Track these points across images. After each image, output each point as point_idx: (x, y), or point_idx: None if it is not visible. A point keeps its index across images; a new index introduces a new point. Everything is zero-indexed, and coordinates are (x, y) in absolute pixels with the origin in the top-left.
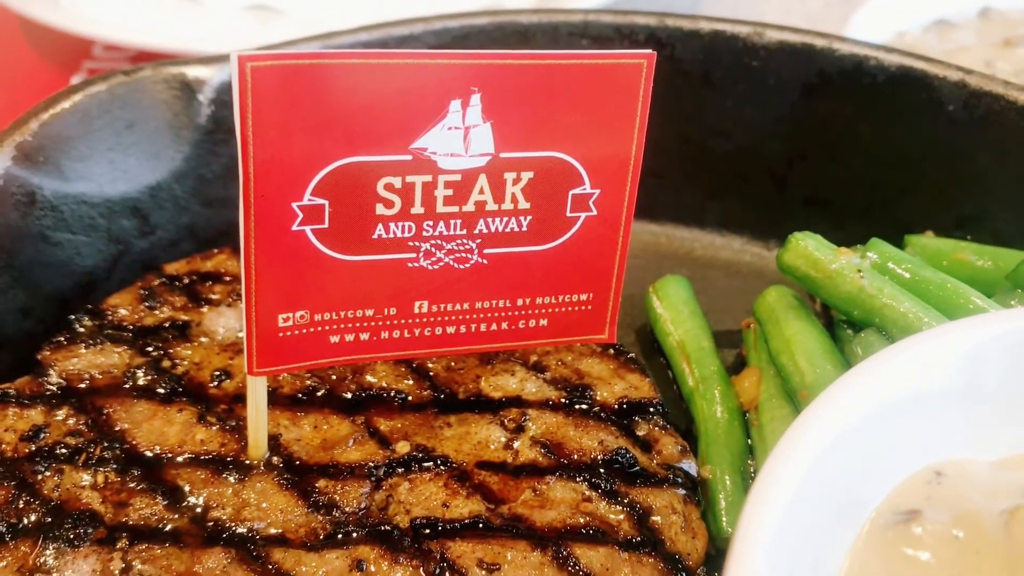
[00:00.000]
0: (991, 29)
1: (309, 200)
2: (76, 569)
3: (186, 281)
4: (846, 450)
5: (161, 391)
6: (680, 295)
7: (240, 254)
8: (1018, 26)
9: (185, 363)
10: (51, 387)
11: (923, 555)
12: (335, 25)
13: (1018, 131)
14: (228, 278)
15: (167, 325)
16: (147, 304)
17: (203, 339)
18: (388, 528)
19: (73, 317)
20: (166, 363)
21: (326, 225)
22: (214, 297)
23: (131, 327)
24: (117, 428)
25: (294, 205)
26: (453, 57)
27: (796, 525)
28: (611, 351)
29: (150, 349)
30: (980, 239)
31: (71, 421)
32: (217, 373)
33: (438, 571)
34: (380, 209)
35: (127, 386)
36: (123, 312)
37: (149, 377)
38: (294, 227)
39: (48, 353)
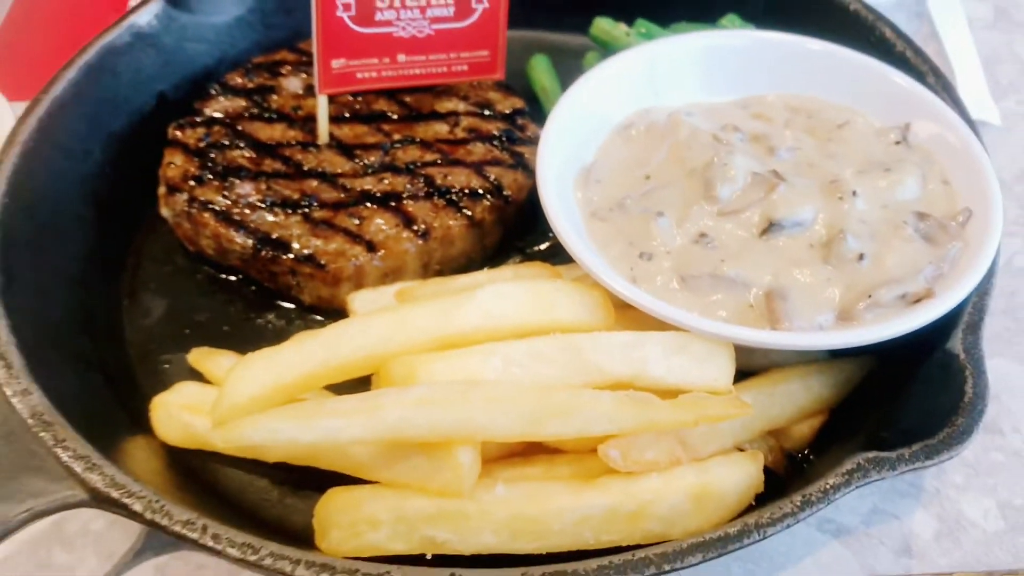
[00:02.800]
0: None
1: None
2: (243, 188)
3: (264, 64)
4: (592, 97)
5: (267, 116)
6: (543, 64)
7: (312, 32)
8: None
9: (277, 103)
10: (206, 116)
11: (633, 134)
12: None
13: None
14: (288, 64)
15: (261, 87)
16: (247, 76)
17: (281, 93)
18: (395, 166)
19: (210, 86)
20: (266, 104)
21: (353, 13)
22: (282, 71)
23: (243, 88)
24: (246, 132)
25: (339, 2)
26: None
27: (568, 133)
28: (506, 87)
29: (256, 98)
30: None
31: (221, 130)
32: (295, 106)
33: (420, 181)
34: (379, 3)
35: (247, 115)
36: (235, 81)
37: (257, 111)
38: (337, 13)
39: (200, 103)
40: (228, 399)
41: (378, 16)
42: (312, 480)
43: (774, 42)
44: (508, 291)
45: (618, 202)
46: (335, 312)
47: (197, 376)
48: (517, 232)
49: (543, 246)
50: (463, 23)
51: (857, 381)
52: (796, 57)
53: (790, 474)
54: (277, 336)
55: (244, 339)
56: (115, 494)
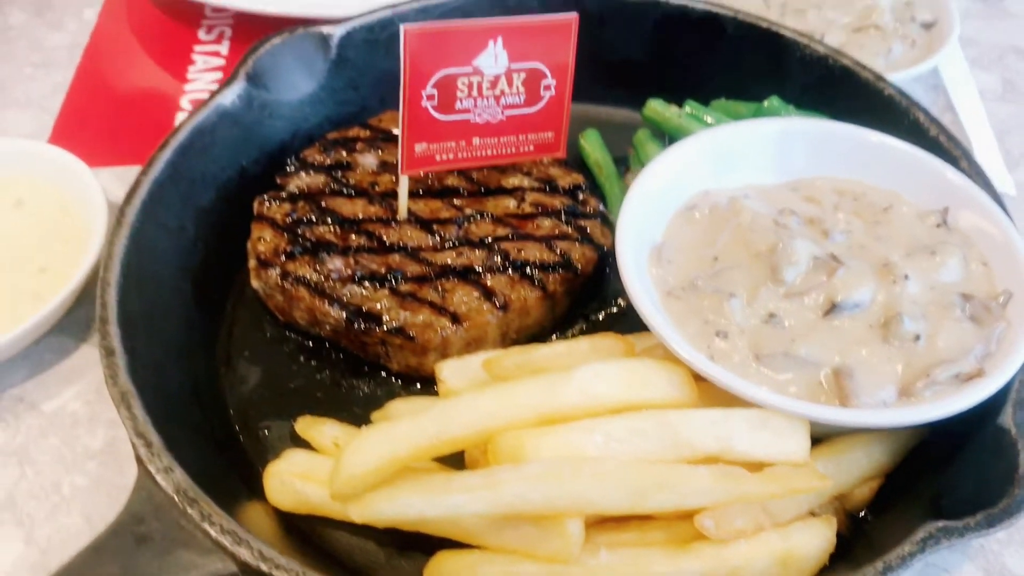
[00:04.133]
0: None
1: (429, 90)
2: (333, 263)
3: (339, 140)
4: (660, 181)
5: (346, 191)
6: (595, 138)
7: (400, 118)
8: None
9: (355, 178)
10: (289, 191)
11: (696, 216)
12: None
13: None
14: (360, 140)
15: (338, 162)
16: (324, 152)
17: (358, 168)
18: (470, 239)
19: (289, 161)
20: (344, 179)
21: (436, 103)
22: (357, 147)
23: (318, 164)
24: (329, 207)
25: (422, 92)
26: (490, 23)
27: (641, 214)
28: (564, 164)
29: (335, 173)
30: (744, 100)
31: (305, 205)
32: (372, 182)
33: (495, 255)
34: (459, 93)
35: (327, 191)
36: (313, 157)
37: (336, 186)
38: (422, 103)
39: (282, 178)
40: (346, 471)
41: (458, 105)
42: (415, 543)
43: (818, 127)
44: (604, 370)
45: (690, 281)
46: (421, 379)
47: (297, 441)
48: (582, 300)
49: (603, 314)
50: (532, 109)
51: (911, 448)
52: (838, 141)
53: (852, 533)
54: (367, 402)
55: (338, 405)
56: (264, 567)
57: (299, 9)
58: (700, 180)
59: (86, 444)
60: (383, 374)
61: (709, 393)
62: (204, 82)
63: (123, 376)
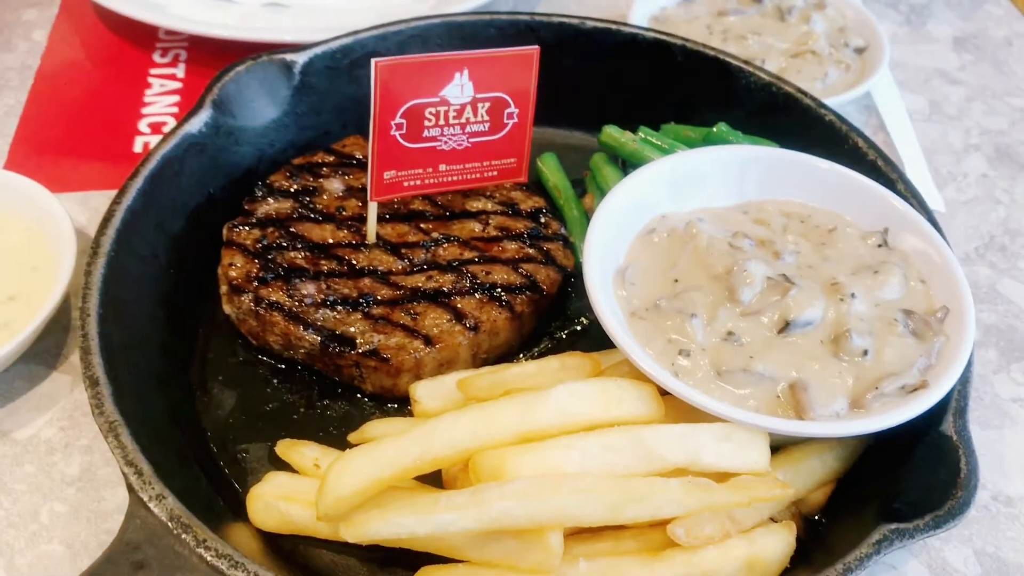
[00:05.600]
0: (714, 3)
1: (398, 120)
2: (306, 288)
3: (304, 166)
4: (621, 206)
5: (314, 216)
6: (552, 162)
7: (369, 145)
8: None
9: (322, 203)
10: (258, 217)
11: (656, 240)
12: (330, 16)
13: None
14: (326, 165)
15: (305, 188)
16: (291, 177)
17: (324, 194)
18: (438, 263)
19: (256, 186)
20: (312, 204)
21: (404, 132)
22: (323, 172)
23: (285, 189)
24: (299, 232)
25: (391, 122)
26: (457, 56)
27: (605, 239)
28: (524, 187)
29: (302, 198)
30: (692, 123)
31: (274, 231)
32: (339, 207)
33: (464, 278)
34: (426, 123)
35: (295, 216)
36: (280, 183)
37: (304, 211)
38: (391, 133)
39: (250, 203)
40: (332, 493)
41: (425, 133)
42: (397, 559)
43: (770, 154)
44: (579, 390)
45: (653, 303)
46: (395, 399)
47: (275, 463)
48: (546, 319)
49: (566, 332)
50: (496, 136)
51: (859, 455)
52: (787, 167)
53: (808, 535)
54: (343, 423)
55: (314, 427)
56: None
57: (254, 34)
58: (657, 204)
59: (62, 471)
60: (357, 395)
61: (674, 408)
62: (161, 105)
63: (109, 405)
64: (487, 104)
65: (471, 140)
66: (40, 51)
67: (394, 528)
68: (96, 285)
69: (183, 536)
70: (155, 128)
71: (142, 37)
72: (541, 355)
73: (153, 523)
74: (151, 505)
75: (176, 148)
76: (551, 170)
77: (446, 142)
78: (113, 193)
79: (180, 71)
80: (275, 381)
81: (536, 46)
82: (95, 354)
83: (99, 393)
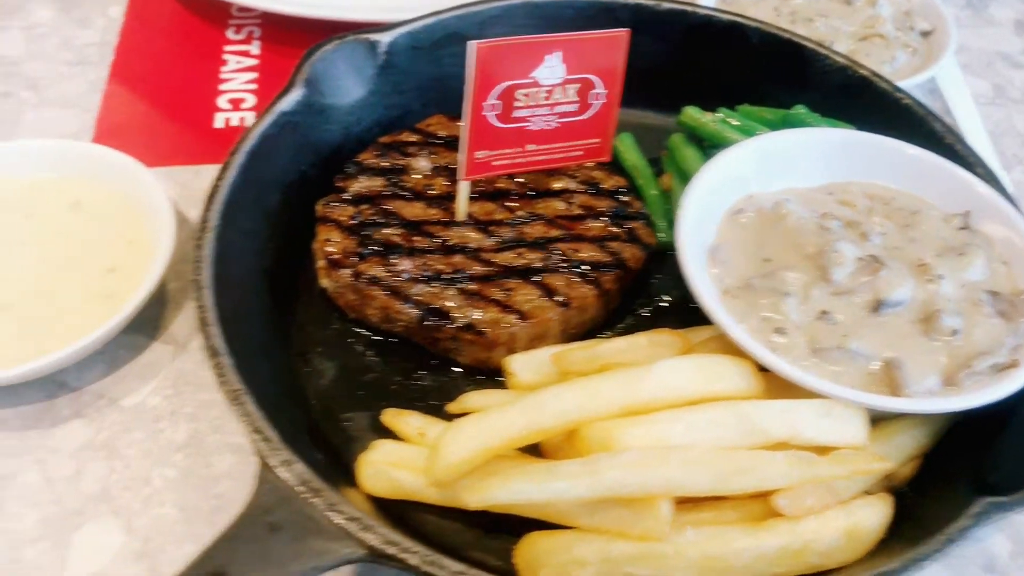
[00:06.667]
0: None
1: (492, 101)
2: (403, 263)
3: (392, 144)
4: (711, 185)
5: (404, 194)
6: (629, 142)
7: (462, 126)
8: None
9: (411, 181)
10: (351, 194)
11: (743, 219)
12: None
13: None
14: (413, 144)
15: (394, 166)
16: (379, 156)
17: (412, 172)
18: (525, 240)
19: (347, 164)
20: (401, 182)
21: (498, 112)
22: (410, 151)
23: (376, 167)
24: (391, 209)
25: (484, 103)
26: (550, 38)
27: (696, 217)
28: (607, 166)
29: (391, 176)
30: (767, 105)
31: (368, 207)
32: (427, 185)
33: (551, 255)
34: (517, 103)
35: (386, 194)
36: (370, 161)
37: (395, 189)
38: (483, 113)
39: (341, 181)
40: (444, 460)
41: (515, 114)
42: (501, 524)
43: (848, 137)
44: (680, 365)
45: (746, 281)
46: (488, 371)
47: (378, 431)
48: (628, 297)
49: (648, 310)
50: (583, 116)
51: (947, 430)
52: (866, 149)
53: (896, 508)
54: (440, 393)
55: (411, 396)
56: (391, 550)
57: (329, 12)
58: (744, 184)
59: (170, 438)
60: (448, 366)
61: (771, 384)
62: (239, 82)
63: (231, 375)
64: (576, 85)
65: (559, 120)
66: (117, 28)
67: (513, 494)
68: (208, 258)
69: (313, 500)
70: (235, 104)
71: (215, 14)
72: (625, 332)
73: (283, 487)
74: (280, 471)
75: (272, 126)
76: (628, 150)
77: (535, 122)
78: (197, 168)
79: (255, 48)
80: (370, 352)
81: (626, 29)
82: (213, 324)
83: (220, 363)
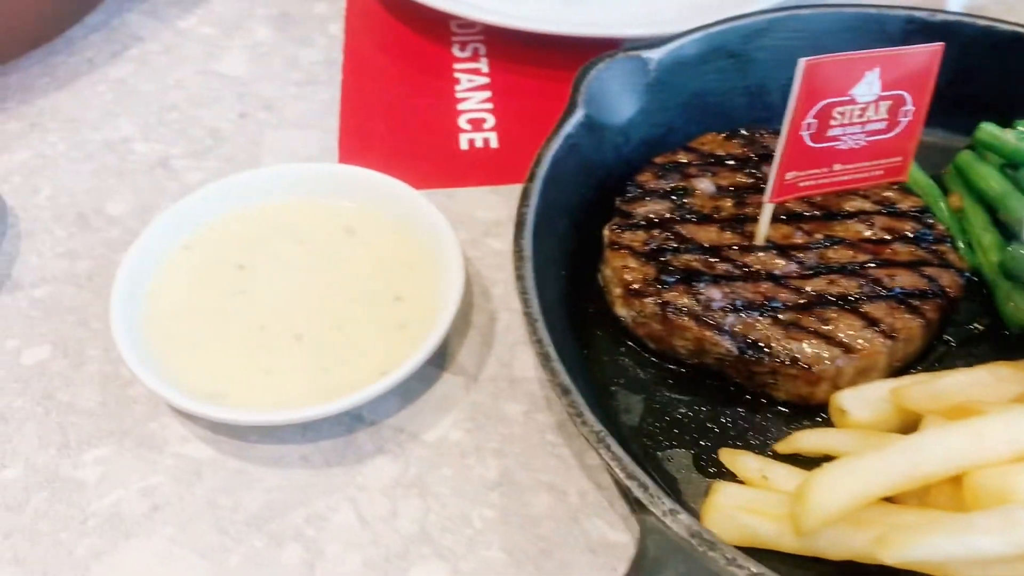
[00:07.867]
0: None
1: (809, 120)
2: (711, 292)
3: (669, 165)
4: None
5: (693, 217)
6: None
7: (779, 143)
8: None
9: (697, 203)
10: (639, 218)
11: None
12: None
13: None
14: (689, 164)
15: (676, 188)
16: (659, 176)
17: (696, 193)
18: (831, 266)
19: (628, 185)
20: (687, 204)
21: (813, 131)
22: (690, 171)
23: (658, 189)
24: (686, 234)
25: (803, 122)
26: (871, 54)
27: None
28: (902, 186)
29: (676, 199)
30: None
31: (660, 232)
32: (714, 207)
33: (865, 282)
34: (832, 122)
35: (676, 217)
36: (650, 183)
37: (683, 212)
38: (800, 132)
39: (625, 204)
40: (816, 509)
41: (828, 132)
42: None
43: None
44: None
45: None
46: (806, 408)
47: (701, 471)
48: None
49: (958, 338)
50: (890, 134)
51: None
52: None
53: None
54: (756, 430)
55: (730, 434)
56: None
57: (553, 26)
58: None
59: (480, 475)
60: (760, 401)
61: None
62: (475, 101)
63: (588, 415)
64: (888, 102)
65: (867, 139)
66: (339, 45)
67: (932, 550)
68: (532, 290)
69: (710, 554)
70: (474, 124)
71: (437, 29)
72: (938, 361)
73: (674, 538)
74: (667, 520)
75: (560, 150)
76: (914, 169)
77: (845, 141)
78: (450, 191)
79: (484, 65)
80: (675, 385)
81: (941, 43)
82: (555, 360)
83: (574, 402)
